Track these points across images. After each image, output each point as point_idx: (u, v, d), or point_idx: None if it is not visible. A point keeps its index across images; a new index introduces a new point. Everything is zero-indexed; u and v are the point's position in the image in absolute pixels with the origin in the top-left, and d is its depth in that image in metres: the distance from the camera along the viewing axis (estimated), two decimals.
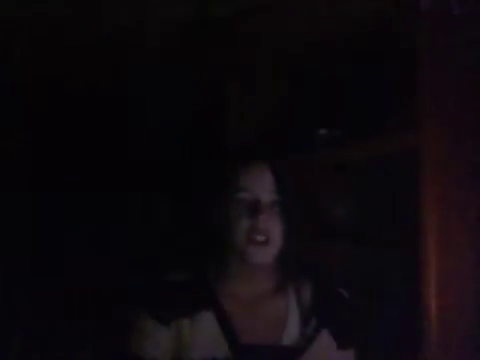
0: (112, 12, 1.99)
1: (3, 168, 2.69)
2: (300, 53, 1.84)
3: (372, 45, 1.69)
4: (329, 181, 1.97)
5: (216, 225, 1.42)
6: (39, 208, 2.76)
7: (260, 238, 1.35)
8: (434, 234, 1.43)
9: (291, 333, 1.38)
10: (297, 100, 1.95)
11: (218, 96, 2.00)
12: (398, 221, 1.69)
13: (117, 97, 2.62)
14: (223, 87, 1.96)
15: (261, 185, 1.38)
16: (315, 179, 1.94)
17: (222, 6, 1.89)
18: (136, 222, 2.75)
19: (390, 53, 1.69)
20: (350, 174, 1.93)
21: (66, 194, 2.77)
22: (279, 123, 1.92)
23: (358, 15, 1.61)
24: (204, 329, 1.35)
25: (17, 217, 2.71)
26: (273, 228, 1.36)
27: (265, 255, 1.37)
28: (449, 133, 1.49)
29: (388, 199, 1.80)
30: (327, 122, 1.77)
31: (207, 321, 1.36)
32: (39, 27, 2.09)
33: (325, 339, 1.39)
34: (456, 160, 1.50)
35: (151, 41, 2.18)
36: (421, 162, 1.44)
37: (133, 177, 2.78)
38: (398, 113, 1.58)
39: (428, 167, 1.44)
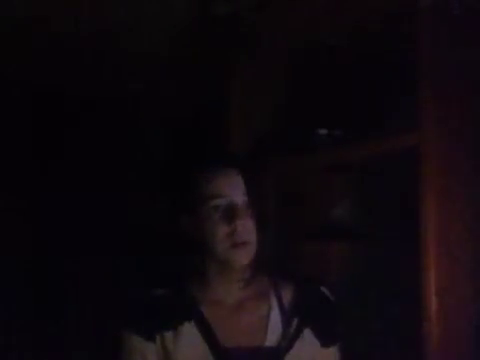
0: (112, 11, 1.99)
1: (3, 167, 2.69)
2: (300, 52, 1.84)
3: (372, 45, 1.69)
4: (329, 181, 1.97)
5: (193, 234, 1.41)
6: (38, 208, 2.76)
7: (240, 241, 1.35)
8: (434, 234, 1.43)
9: (273, 334, 1.38)
10: (297, 100, 1.95)
11: (218, 96, 2.00)
12: (398, 221, 1.69)
13: (117, 96, 2.62)
14: (223, 87, 1.96)
15: (233, 189, 1.38)
16: (315, 179, 1.94)
17: (222, 6, 1.89)
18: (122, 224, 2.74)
19: (390, 53, 1.69)
20: (350, 174, 1.93)
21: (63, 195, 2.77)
22: (279, 123, 1.92)
23: (358, 15, 1.61)
24: (187, 340, 1.36)
25: (13, 217, 2.71)
26: (250, 230, 1.37)
27: (246, 257, 1.37)
28: (449, 133, 1.49)
29: (388, 199, 1.80)
30: (327, 122, 1.76)
31: (189, 332, 1.36)
32: (39, 27, 2.09)
33: (308, 338, 1.39)
34: (456, 160, 1.50)
35: (151, 41, 2.18)
36: (421, 161, 1.44)
37: (129, 178, 2.78)
38: (398, 113, 1.58)
39: (428, 167, 1.44)
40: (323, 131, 1.75)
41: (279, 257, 1.56)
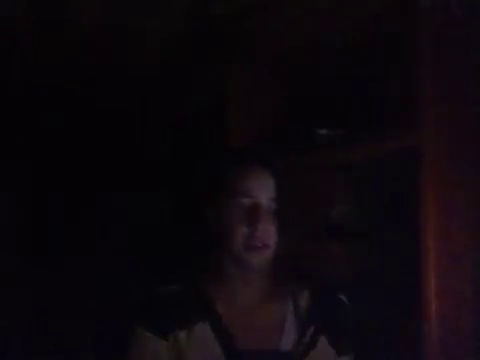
0: (112, 10, 1.99)
1: (3, 167, 2.69)
2: (300, 53, 1.84)
3: (372, 45, 1.69)
4: (329, 181, 1.97)
5: (214, 226, 1.40)
6: (38, 208, 2.76)
7: (258, 244, 1.34)
8: (434, 234, 1.43)
9: (288, 339, 1.36)
10: (297, 100, 1.95)
11: (218, 96, 2.00)
12: (398, 221, 1.69)
13: (117, 96, 2.62)
14: (223, 86, 1.96)
15: (261, 191, 1.37)
16: (315, 179, 1.94)
17: (222, 5, 1.89)
18: (132, 223, 2.74)
19: (390, 53, 1.69)
20: (350, 174, 1.93)
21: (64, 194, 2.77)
22: (279, 123, 1.92)
23: (358, 15, 1.61)
24: (201, 340, 1.34)
25: (16, 216, 2.71)
26: (270, 234, 1.35)
27: (262, 260, 1.36)
28: (449, 133, 1.49)
29: (388, 199, 1.80)
30: (327, 122, 1.77)
31: (203, 331, 1.35)
32: (38, 27, 2.09)
33: (323, 346, 1.37)
34: (456, 160, 1.50)
35: (151, 40, 2.18)
36: (421, 162, 1.44)
37: (132, 178, 2.78)
38: (398, 113, 1.58)
39: (428, 167, 1.44)
40: (323, 131, 1.75)
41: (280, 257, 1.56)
